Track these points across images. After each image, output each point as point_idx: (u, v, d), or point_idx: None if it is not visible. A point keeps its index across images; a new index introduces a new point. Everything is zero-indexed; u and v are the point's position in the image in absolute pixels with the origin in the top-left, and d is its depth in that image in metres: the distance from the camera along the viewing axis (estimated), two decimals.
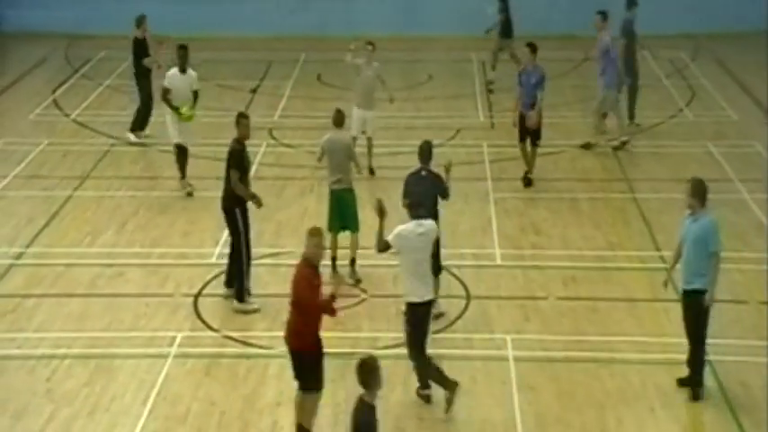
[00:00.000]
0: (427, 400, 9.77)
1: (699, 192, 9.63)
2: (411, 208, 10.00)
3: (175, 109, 14.35)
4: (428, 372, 9.72)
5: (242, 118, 11.68)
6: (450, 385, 9.60)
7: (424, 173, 11.09)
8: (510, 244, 13.11)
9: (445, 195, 11.15)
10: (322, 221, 12.42)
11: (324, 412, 9.73)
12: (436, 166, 11.25)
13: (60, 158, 16.05)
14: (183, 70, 14.48)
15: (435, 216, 11.01)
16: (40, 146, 16.54)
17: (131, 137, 16.60)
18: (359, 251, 12.27)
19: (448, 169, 11.11)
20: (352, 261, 12.11)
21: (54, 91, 19.36)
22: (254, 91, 19.48)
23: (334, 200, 12.08)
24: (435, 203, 11.01)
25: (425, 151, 11.14)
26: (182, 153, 14.52)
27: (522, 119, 14.66)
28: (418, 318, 9.63)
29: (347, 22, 23.17)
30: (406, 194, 10.82)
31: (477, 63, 20.95)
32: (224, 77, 20.33)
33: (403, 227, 9.75)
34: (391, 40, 22.58)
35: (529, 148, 14.74)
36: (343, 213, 12.05)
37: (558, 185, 14.93)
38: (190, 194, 14.47)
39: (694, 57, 21.15)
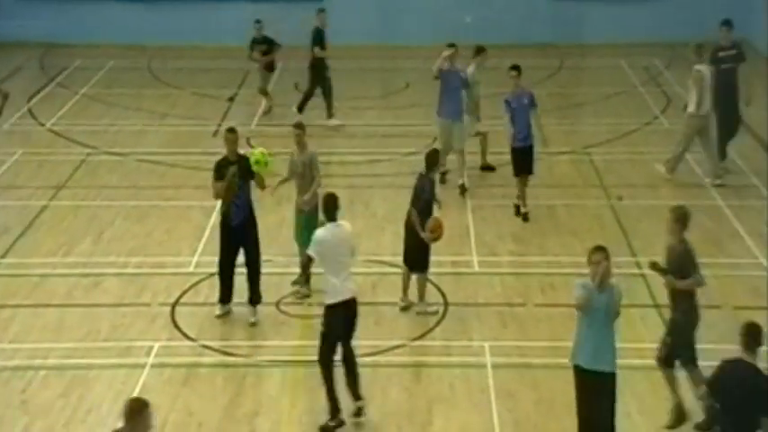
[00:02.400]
0: None
1: (609, 256, 8.54)
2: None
3: None
4: None
5: (227, 133, 11.51)
6: None
7: (431, 177, 11.58)
8: (487, 251, 13.14)
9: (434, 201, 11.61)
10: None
11: (303, 421, 9.71)
12: None
13: (36, 168, 15.96)
14: None
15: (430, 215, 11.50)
16: (15, 155, 16.44)
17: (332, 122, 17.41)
18: None
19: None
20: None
21: (29, 100, 19.25)
22: (231, 100, 19.45)
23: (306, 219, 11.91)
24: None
25: (429, 159, 11.65)
26: None
27: (520, 152, 13.86)
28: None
29: (326, 30, 23.15)
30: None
31: None
32: (201, 86, 20.29)
33: None
34: (369, 49, 22.64)
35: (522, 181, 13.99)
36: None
37: (534, 192, 14.95)
38: None
39: (669, 64, 21.30)
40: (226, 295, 11.46)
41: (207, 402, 9.96)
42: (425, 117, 18.25)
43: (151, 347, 10.90)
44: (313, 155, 12.06)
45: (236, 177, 11.22)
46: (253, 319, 11.35)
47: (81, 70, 21.26)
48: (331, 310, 9.48)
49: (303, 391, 10.18)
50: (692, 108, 14.71)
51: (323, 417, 9.76)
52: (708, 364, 10.41)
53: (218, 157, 11.66)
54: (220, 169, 11.36)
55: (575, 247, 13.25)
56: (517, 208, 14.17)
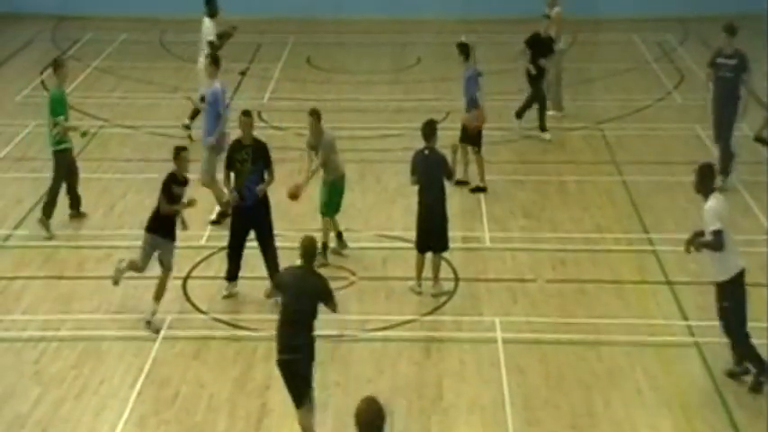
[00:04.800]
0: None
1: (369, 422, 6.08)
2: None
3: None
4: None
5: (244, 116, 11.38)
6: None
7: (426, 152, 11.35)
8: (498, 227, 13.13)
9: (449, 177, 11.44)
10: (311, 204, 12.47)
11: (319, 394, 9.68)
12: (441, 147, 11.55)
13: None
14: None
15: (443, 194, 11.34)
16: (28, 127, 16.47)
17: (546, 136, 15.86)
18: (349, 233, 12.37)
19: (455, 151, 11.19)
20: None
21: (41, 72, 19.25)
22: (243, 73, 19.43)
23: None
24: (442, 181, 11.35)
25: (425, 130, 11.43)
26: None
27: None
28: None
29: (336, 4, 23.09)
30: (413, 171, 11.41)
31: None
32: None
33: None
34: (380, 23, 22.58)
35: (473, 155, 14.05)
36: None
37: (546, 168, 14.95)
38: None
39: (682, 40, 21.17)
40: (233, 273, 11.41)
41: (218, 375, 10.02)
42: (436, 92, 18.23)
43: (163, 320, 10.95)
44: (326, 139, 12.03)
45: (246, 162, 11.18)
46: None
47: (93, 43, 21.24)
48: None
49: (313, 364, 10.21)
50: (558, 46, 16.36)
51: (332, 390, 9.80)
52: (721, 340, 10.46)
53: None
54: (234, 154, 11.27)
55: (586, 222, 13.25)
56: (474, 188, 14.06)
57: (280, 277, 9.02)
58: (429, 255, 11.49)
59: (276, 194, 13.65)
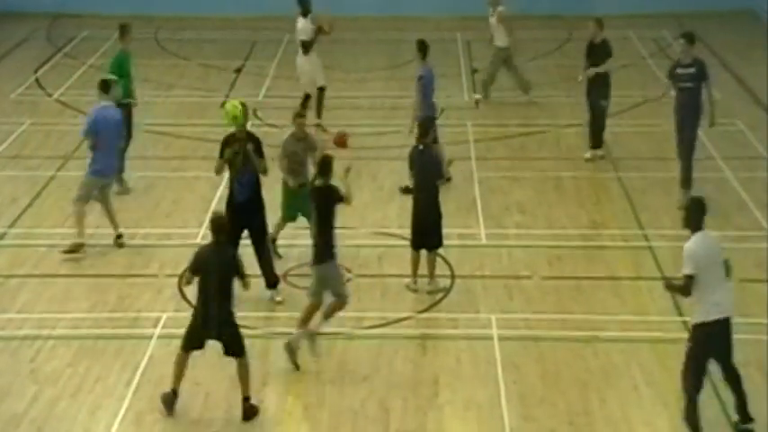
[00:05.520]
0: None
1: None
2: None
3: None
4: None
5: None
6: None
7: (421, 147, 11.46)
8: (494, 223, 13.14)
9: (439, 177, 11.41)
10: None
11: (310, 392, 9.75)
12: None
13: (43, 138, 15.98)
14: None
15: (437, 191, 11.38)
16: (23, 126, 16.46)
17: (588, 154, 14.95)
18: (344, 230, 12.34)
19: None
20: None
21: (36, 70, 19.24)
22: (238, 71, 19.42)
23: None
24: (436, 178, 11.37)
25: (422, 127, 11.58)
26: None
27: (432, 121, 13.73)
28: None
29: (332, 2, 23.03)
30: (411, 167, 11.51)
31: (461, 43, 20.94)
32: (208, 57, 20.26)
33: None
34: (376, 20, 22.56)
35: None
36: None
37: (542, 164, 14.96)
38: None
39: (678, 36, 21.18)
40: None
41: (214, 373, 10.00)
42: None
43: (158, 318, 10.95)
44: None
45: (238, 155, 11.14)
46: (279, 299, 11.28)
47: (88, 40, 21.21)
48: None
49: (310, 362, 10.21)
50: (499, 43, 17.11)
51: (329, 388, 9.80)
52: None
53: (227, 132, 11.59)
54: (226, 145, 11.27)
55: (581, 219, 13.26)
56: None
57: (195, 261, 9.31)
58: (424, 252, 11.50)
59: (270, 192, 13.67)
